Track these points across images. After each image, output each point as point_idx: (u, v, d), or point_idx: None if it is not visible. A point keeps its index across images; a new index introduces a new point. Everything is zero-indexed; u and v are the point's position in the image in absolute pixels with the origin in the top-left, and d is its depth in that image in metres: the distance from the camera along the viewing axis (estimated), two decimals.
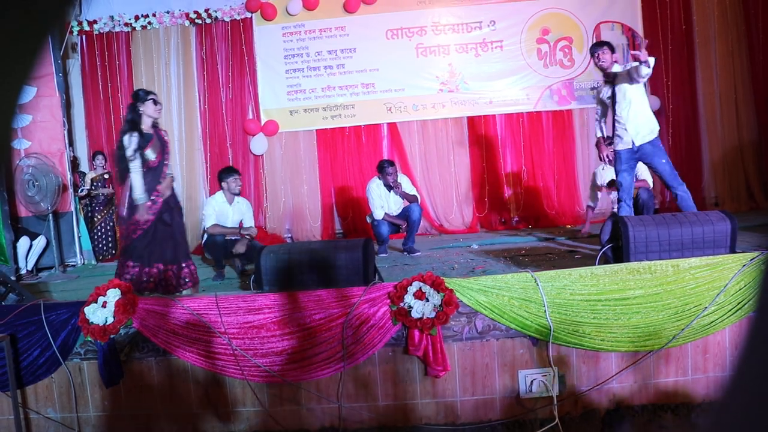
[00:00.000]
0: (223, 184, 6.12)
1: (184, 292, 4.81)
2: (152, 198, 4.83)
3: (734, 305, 3.86)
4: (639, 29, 8.73)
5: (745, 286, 3.86)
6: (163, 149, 4.95)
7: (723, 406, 0.46)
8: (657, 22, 8.73)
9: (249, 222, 6.30)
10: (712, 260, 3.96)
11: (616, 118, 5.30)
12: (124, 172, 4.86)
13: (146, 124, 4.88)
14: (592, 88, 8.82)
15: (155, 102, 4.93)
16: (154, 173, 4.90)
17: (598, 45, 5.49)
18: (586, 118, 8.94)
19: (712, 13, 8.69)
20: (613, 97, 5.34)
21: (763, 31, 8.64)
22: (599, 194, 6.95)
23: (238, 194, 6.25)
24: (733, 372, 0.45)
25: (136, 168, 4.76)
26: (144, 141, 4.82)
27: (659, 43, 8.66)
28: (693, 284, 3.88)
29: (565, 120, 8.96)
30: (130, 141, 4.78)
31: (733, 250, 4.15)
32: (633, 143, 5.21)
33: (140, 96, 4.91)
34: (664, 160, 5.21)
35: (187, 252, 5.16)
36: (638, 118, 5.23)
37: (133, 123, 4.86)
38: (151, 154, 4.85)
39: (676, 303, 3.85)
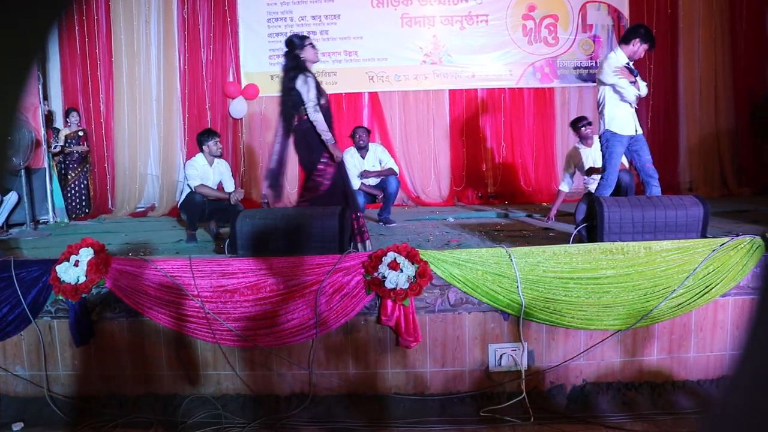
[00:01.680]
0: (204, 147, 6.07)
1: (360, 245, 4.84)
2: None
3: (702, 289, 3.93)
4: (625, 11, 8.75)
5: (713, 270, 3.93)
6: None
7: (726, 400, 0.47)
8: (643, 4, 8.75)
9: (229, 182, 6.28)
10: (683, 244, 4.02)
11: (627, 102, 5.25)
12: (291, 120, 4.79)
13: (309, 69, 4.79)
14: (575, 67, 8.84)
15: (313, 45, 4.82)
16: (326, 118, 4.83)
17: (645, 41, 5.23)
18: (568, 96, 8.97)
19: None
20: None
21: (747, 19, 8.70)
22: (572, 179, 6.64)
23: (219, 156, 6.20)
24: (734, 370, 0.47)
25: (314, 109, 4.67)
26: (317, 83, 4.75)
27: None
28: (664, 266, 3.94)
29: (547, 98, 8.99)
30: (308, 83, 4.67)
31: (704, 235, 4.22)
32: (636, 130, 5.24)
33: (296, 43, 4.78)
34: (649, 152, 5.31)
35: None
36: (634, 110, 5.30)
37: (300, 67, 4.74)
38: (322, 97, 4.78)
39: (646, 284, 3.91)
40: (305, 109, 4.71)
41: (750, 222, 5.54)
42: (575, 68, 8.87)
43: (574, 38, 8.84)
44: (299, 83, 4.68)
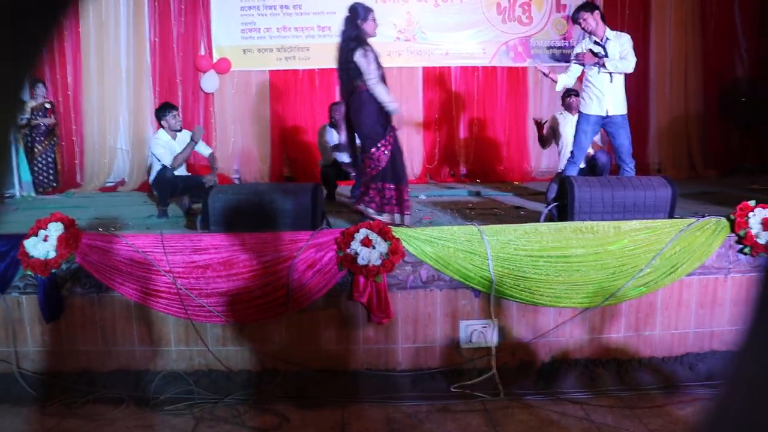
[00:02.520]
0: (163, 122, 5.97)
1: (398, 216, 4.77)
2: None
3: (668, 268, 4.02)
4: None
5: (680, 250, 4.02)
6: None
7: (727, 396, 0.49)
8: None
9: (203, 147, 6.23)
10: (651, 224, 4.10)
11: (593, 82, 5.26)
12: (351, 92, 4.72)
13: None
14: (549, 47, 8.86)
15: (375, 20, 4.76)
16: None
17: (578, 11, 5.27)
18: (540, 77, 8.96)
19: None
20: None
21: (717, 3, 8.78)
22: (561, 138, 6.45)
23: (180, 130, 6.10)
24: (734, 367, 0.48)
25: (377, 81, 4.60)
26: (376, 55, 4.68)
27: (617, 8, 8.72)
28: (632, 246, 4.02)
29: (520, 77, 9.01)
30: (368, 56, 4.60)
31: (671, 216, 4.31)
32: (607, 111, 5.24)
33: (360, 13, 4.70)
34: (627, 136, 5.32)
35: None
36: (617, 90, 5.26)
37: (359, 39, 4.67)
38: (378, 69, 4.70)
39: (614, 263, 3.98)
40: (363, 81, 4.68)
41: (716, 203, 5.66)
42: (548, 48, 8.89)
43: (548, 18, 8.85)
44: (358, 56, 4.63)
